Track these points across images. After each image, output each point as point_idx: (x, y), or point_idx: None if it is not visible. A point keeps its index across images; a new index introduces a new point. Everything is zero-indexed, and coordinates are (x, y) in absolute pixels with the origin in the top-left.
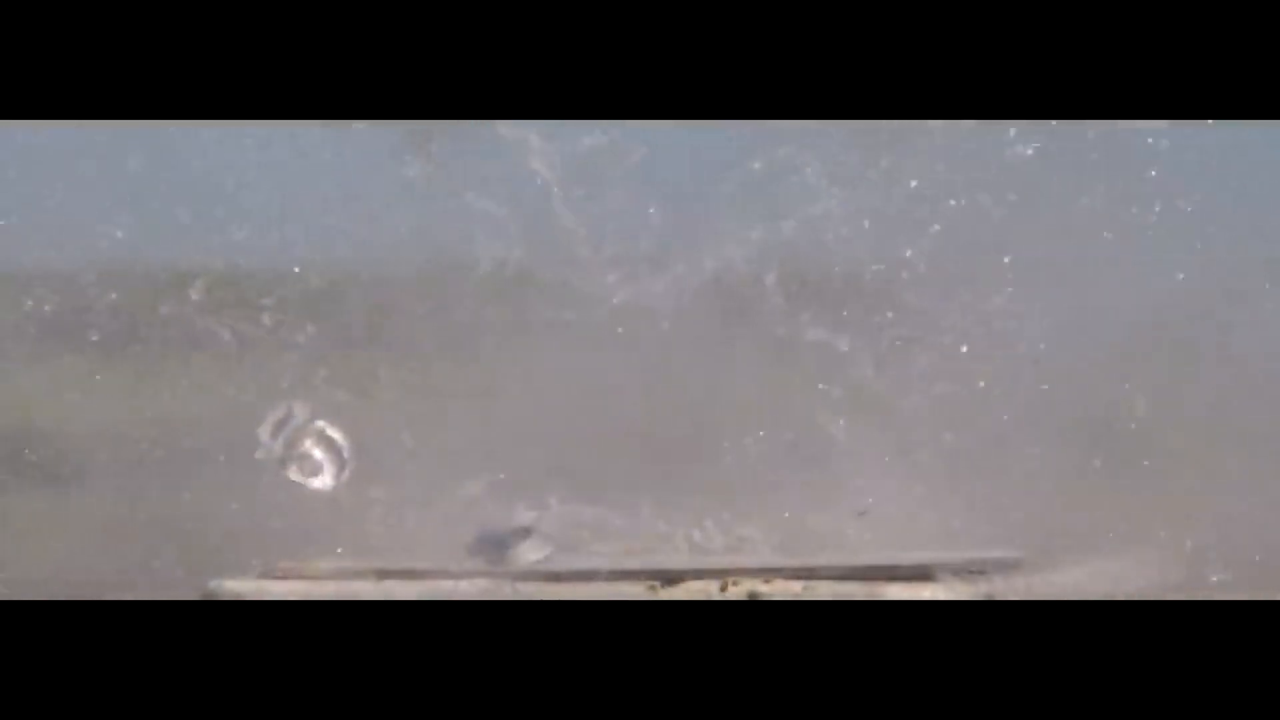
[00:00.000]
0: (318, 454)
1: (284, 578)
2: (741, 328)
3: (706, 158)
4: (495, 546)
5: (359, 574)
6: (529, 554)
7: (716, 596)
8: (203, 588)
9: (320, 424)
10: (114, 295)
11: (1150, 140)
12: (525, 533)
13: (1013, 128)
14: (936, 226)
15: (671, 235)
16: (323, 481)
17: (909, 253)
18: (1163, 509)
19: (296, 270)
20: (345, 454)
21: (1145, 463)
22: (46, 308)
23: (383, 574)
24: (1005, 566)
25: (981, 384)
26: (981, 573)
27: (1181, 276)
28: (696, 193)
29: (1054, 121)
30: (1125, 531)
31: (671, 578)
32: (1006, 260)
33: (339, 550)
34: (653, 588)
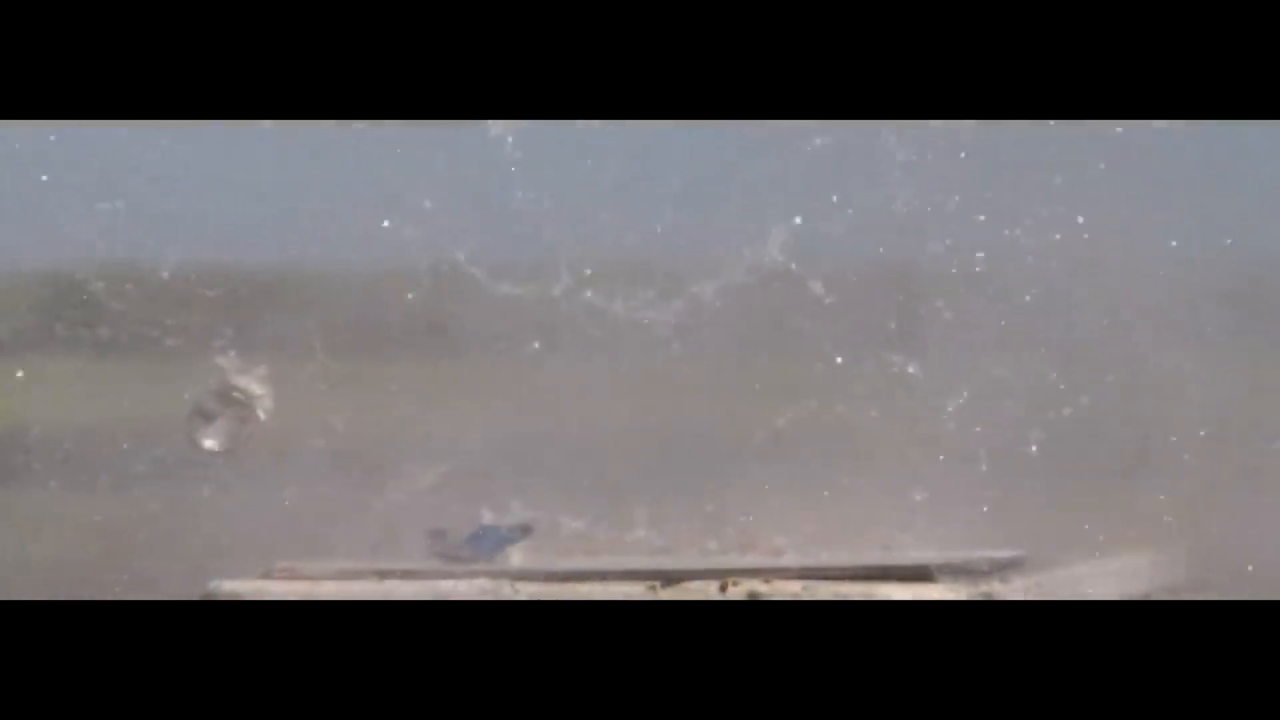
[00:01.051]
0: (222, 410)
1: (283, 578)
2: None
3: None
4: (484, 546)
5: (359, 574)
6: (515, 555)
7: (716, 596)
8: (202, 588)
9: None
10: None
11: (1187, 143)
12: (520, 532)
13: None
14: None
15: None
16: (214, 441)
17: (924, 252)
18: (1166, 509)
19: (254, 268)
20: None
21: (1150, 462)
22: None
23: (383, 574)
24: (1006, 566)
25: (998, 383)
26: (982, 573)
27: (1204, 277)
28: (698, 193)
29: (1051, 122)
30: (1127, 532)
31: (671, 578)
32: (1029, 260)
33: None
34: (652, 588)
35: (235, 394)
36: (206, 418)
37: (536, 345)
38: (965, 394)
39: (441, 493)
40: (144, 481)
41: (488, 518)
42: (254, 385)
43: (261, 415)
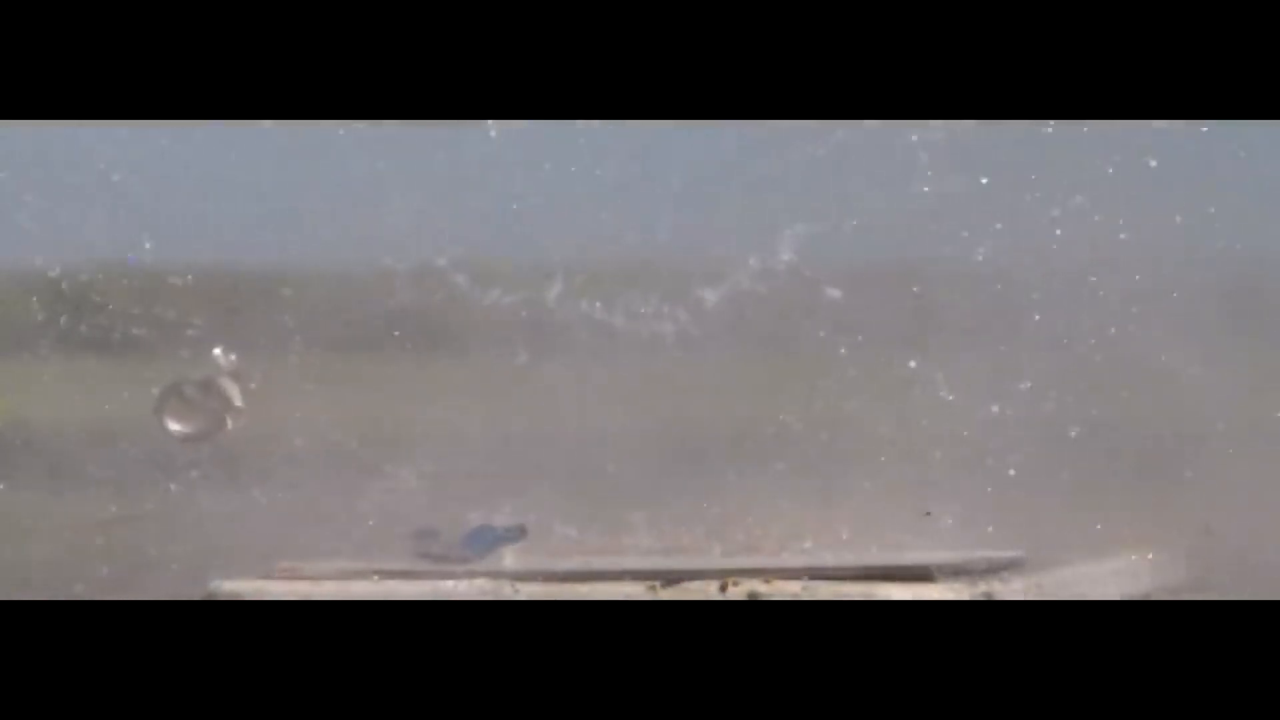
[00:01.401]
0: (198, 399)
1: (283, 578)
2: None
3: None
4: (478, 545)
5: (359, 574)
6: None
7: (716, 596)
8: (203, 588)
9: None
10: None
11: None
12: (517, 533)
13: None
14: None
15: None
16: (180, 426)
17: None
18: (1165, 510)
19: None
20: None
21: (1149, 463)
22: None
23: (383, 574)
24: (1005, 566)
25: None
26: (982, 573)
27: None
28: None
29: (1052, 122)
30: (1127, 532)
31: (671, 578)
32: (1032, 261)
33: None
34: (652, 588)
35: (217, 389)
36: (181, 400)
37: (533, 349)
38: (968, 395)
39: (436, 495)
40: (133, 481)
41: (483, 519)
42: (234, 389)
43: (229, 423)
